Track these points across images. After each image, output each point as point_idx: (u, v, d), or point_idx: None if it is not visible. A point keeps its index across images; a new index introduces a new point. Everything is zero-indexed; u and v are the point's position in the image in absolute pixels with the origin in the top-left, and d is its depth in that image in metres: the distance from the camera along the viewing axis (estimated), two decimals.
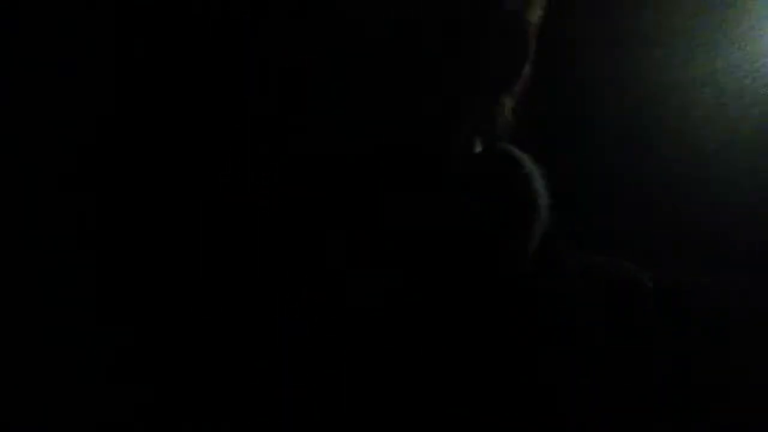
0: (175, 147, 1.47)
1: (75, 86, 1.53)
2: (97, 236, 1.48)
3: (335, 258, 1.39)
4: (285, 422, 1.34)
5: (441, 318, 1.41)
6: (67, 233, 1.48)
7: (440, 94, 1.41)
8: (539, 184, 1.48)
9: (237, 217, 1.41)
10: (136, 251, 1.47)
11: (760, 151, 3.34)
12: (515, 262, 1.46)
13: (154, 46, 1.45)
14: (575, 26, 3.11)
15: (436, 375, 1.39)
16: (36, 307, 1.46)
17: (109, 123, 1.52)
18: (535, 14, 1.46)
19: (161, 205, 1.48)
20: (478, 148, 1.50)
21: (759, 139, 3.35)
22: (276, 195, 1.38)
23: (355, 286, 1.38)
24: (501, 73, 1.45)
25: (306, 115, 1.37)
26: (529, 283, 1.51)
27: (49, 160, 1.54)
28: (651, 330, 1.55)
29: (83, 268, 1.47)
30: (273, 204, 1.39)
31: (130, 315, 1.44)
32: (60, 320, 1.44)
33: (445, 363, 1.40)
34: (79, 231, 1.49)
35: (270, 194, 1.38)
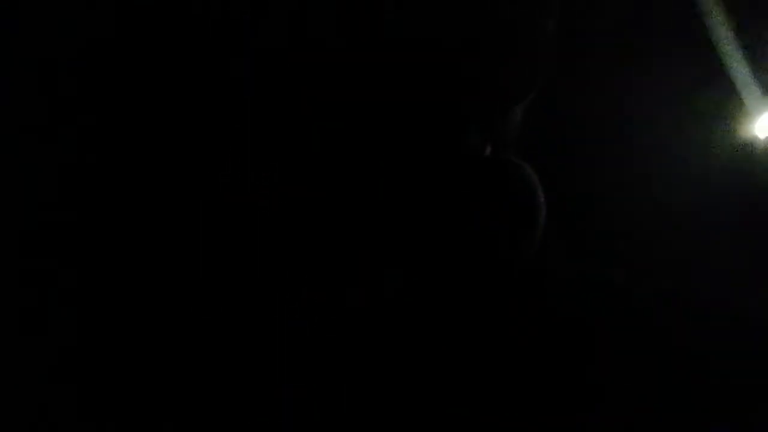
0: (176, 146, 1.47)
1: (75, 85, 1.53)
2: (97, 235, 1.48)
3: (336, 258, 1.39)
4: (285, 421, 1.34)
5: (441, 317, 1.42)
6: (67, 232, 1.48)
7: (454, 99, 1.42)
8: (540, 193, 1.49)
9: (237, 217, 1.41)
10: (136, 251, 1.47)
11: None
12: (514, 263, 1.46)
13: (154, 45, 1.45)
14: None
15: (437, 374, 1.39)
16: (35, 306, 1.46)
17: (110, 122, 1.52)
18: (551, 30, 1.47)
19: (161, 204, 1.48)
20: (487, 153, 1.51)
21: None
22: (276, 195, 1.38)
23: (356, 286, 1.38)
24: (514, 84, 1.46)
25: (307, 115, 1.37)
26: (526, 285, 1.51)
27: (50, 159, 1.53)
28: (635, 332, 1.56)
29: (84, 266, 1.47)
30: (273, 204, 1.39)
31: (129, 314, 1.44)
32: (58, 319, 1.44)
33: (445, 361, 1.40)
34: (80, 230, 1.49)
35: (270, 194, 1.38)
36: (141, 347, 1.41)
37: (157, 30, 1.39)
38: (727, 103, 3.55)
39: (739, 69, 3.53)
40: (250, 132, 1.39)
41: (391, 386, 1.34)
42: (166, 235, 1.46)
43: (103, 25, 1.47)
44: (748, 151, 3.51)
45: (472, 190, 1.47)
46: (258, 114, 1.38)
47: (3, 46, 1.50)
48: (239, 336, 1.40)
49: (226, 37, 1.36)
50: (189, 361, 1.38)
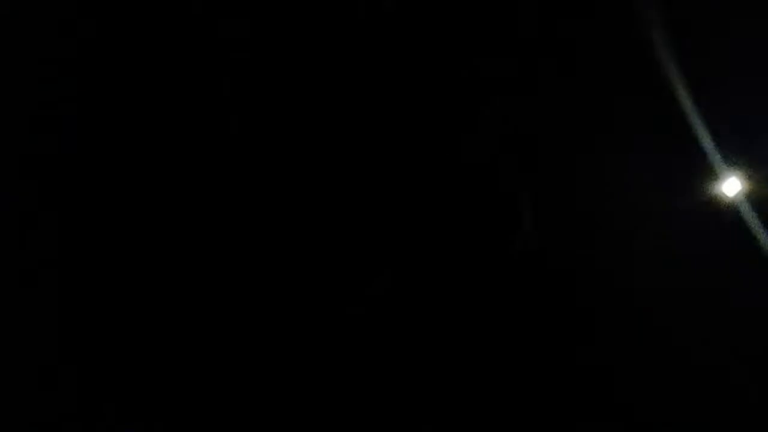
0: (174, 145, 1.52)
1: (73, 87, 1.58)
2: (97, 235, 1.51)
3: (332, 262, 1.44)
4: (285, 420, 1.36)
5: (434, 317, 1.47)
6: (67, 231, 1.51)
7: (449, 101, 1.52)
8: (525, 200, 1.58)
9: (233, 217, 1.46)
10: (134, 252, 1.50)
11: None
12: (501, 263, 1.54)
13: (152, 46, 1.51)
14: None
15: (435, 372, 1.43)
16: (34, 307, 1.47)
17: (107, 121, 1.56)
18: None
19: (159, 203, 1.52)
20: (475, 152, 1.60)
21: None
22: (272, 198, 1.44)
23: (351, 291, 1.43)
24: (507, 91, 1.57)
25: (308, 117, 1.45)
26: (523, 286, 1.59)
27: (48, 159, 1.57)
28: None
29: (84, 265, 1.49)
30: (271, 206, 1.44)
31: (129, 314, 1.46)
32: (58, 318, 1.46)
33: (442, 360, 1.45)
34: (80, 229, 1.51)
35: (268, 197, 1.44)
36: (137, 346, 1.42)
37: (154, 31, 1.45)
38: (699, 168, 3.86)
39: (709, 142, 3.89)
40: (247, 132, 1.44)
41: (390, 385, 1.38)
42: (164, 235, 1.49)
43: (102, 25, 1.52)
44: (716, 206, 3.79)
45: (456, 191, 1.55)
46: (257, 114, 1.44)
47: (3, 45, 1.53)
48: (237, 337, 1.43)
49: (225, 37, 1.43)
50: (186, 360, 1.40)
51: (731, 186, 4.01)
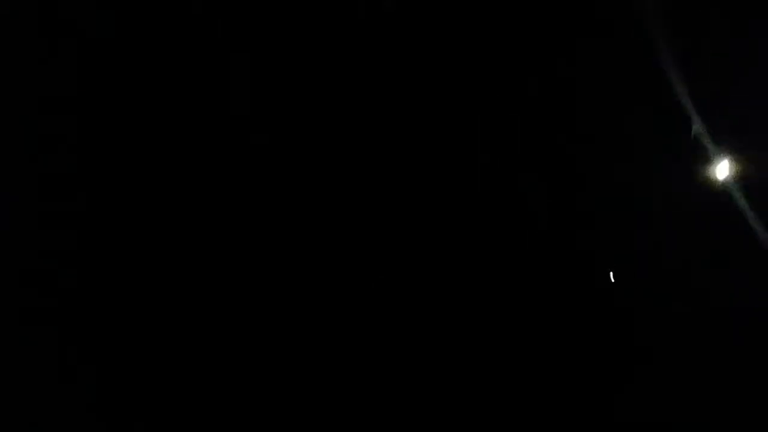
0: (174, 146, 1.55)
1: (74, 89, 1.60)
2: (97, 234, 1.54)
3: (334, 258, 1.48)
4: (287, 420, 1.41)
5: (440, 316, 1.52)
6: (68, 231, 1.54)
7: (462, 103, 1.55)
8: (540, 193, 1.63)
9: (235, 217, 1.50)
10: (132, 252, 1.53)
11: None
12: (518, 263, 1.60)
13: (154, 47, 1.52)
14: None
15: (437, 372, 1.48)
16: (34, 308, 1.51)
17: (109, 122, 1.59)
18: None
19: (160, 203, 1.55)
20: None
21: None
22: (273, 198, 1.47)
23: (355, 288, 1.48)
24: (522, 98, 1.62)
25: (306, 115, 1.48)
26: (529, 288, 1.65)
27: (48, 160, 1.59)
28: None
29: (86, 266, 1.52)
30: (272, 206, 1.48)
31: (129, 314, 1.50)
32: (58, 318, 1.50)
33: (445, 360, 1.50)
34: (81, 228, 1.54)
35: (271, 194, 1.47)
36: (137, 346, 1.44)
37: (156, 31, 1.46)
38: (692, 150, 3.94)
39: (701, 125, 3.96)
40: (247, 132, 1.46)
41: (390, 385, 1.43)
42: (164, 234, 1.52)
43: (102, 25, 1.52)
44: (708, 188, 3.87)
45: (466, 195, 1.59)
46: (257, 114, 1.46)
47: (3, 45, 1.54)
48: (238, 336, 1.46)
49: (225, 37, 1.44)
50: (187, 360, 1.43)
51: (722, 169, 4.08)
